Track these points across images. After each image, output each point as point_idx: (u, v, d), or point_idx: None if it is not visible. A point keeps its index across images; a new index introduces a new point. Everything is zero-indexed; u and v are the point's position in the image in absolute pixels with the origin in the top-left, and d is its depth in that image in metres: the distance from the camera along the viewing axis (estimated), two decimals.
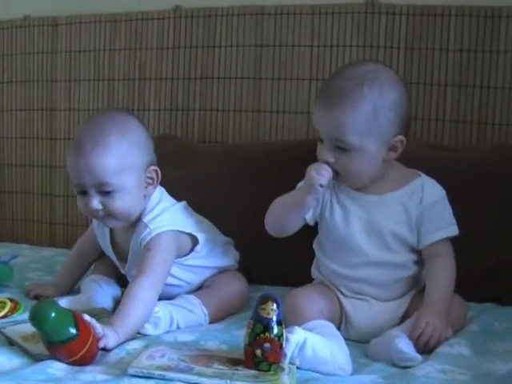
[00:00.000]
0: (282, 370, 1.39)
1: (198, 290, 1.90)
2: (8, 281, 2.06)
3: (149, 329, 1.65)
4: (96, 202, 1.76)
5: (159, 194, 1.88)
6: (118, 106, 2.70)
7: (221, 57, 2.56)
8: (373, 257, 1.72)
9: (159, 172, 1.85)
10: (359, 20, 2.39)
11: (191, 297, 1.81)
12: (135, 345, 1.55)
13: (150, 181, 1.84)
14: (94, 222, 1.96)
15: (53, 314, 1.40)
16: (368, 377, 1.42)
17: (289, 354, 1.43)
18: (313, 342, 1.46)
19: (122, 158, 1.75)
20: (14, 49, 2.90)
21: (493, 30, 2.27)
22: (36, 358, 1.46)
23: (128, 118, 1.85)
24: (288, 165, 2.21)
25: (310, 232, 1.85)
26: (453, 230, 1.75)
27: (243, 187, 2.21)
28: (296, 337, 1.44)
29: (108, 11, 2.73)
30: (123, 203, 1.77)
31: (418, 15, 2.33)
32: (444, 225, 1.74)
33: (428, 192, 1.75)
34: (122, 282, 1.96)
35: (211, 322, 1.80)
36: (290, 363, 1.43)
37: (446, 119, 2.32)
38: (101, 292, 1.89)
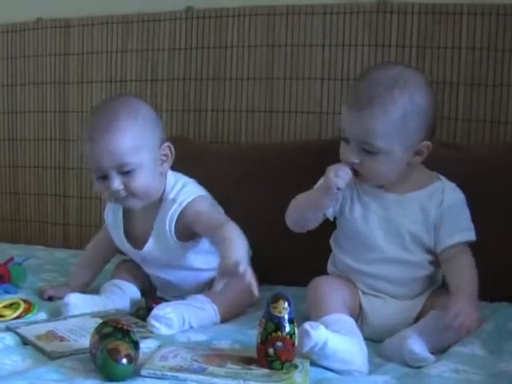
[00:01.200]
0: (295, 368, 1.39)
1: (205, 289, 1.92)
2: (22, 282, 2.06)
3: (162, 329, 1.65)
4: (117, 183, 1.82)
5: (173, 174, 1.95)
6: None
7: (233, 57, 2.57)
8: (389, 254, 1.73)
9: (172, 148, 1.92)
10: (371, 19, 2.39)
11: (200, 296, 1.82)
12: (149, 344, 1.55)
13: (164, 158, 1.91)
14: (107, 212, 2.01)
15: None
16: (381, 377, 1.42)
17: (306, 349, 1.43)
18: (334, 342, 1.45)
19: (137, 138, 1.83)
20: (27, 51, 2.91)
21: (505, 28, 2.26)
22: (51, 356, 1.47)
23: (135, 99, 1.96)
24: (300, 165, 2.21)
25: (324, 232, 1.85)
26: (470, 235, 1.75)
27: (256, 187, 2.21)
28: (318, 335, 1.44)
29: (120, 12, 2.74)
30: (143, 181, 1.84)
31: (429, 14, 2.32)
32: (462, 229, 1.74)
33: (448, 195, 1.75)
34: (144, 286, 2.01)
35: (222, 319, 1.81)
36: (305, 358, 1.43)
37: (458, 118, 2.31)
38: (120, 294, 1.91)
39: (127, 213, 1.97)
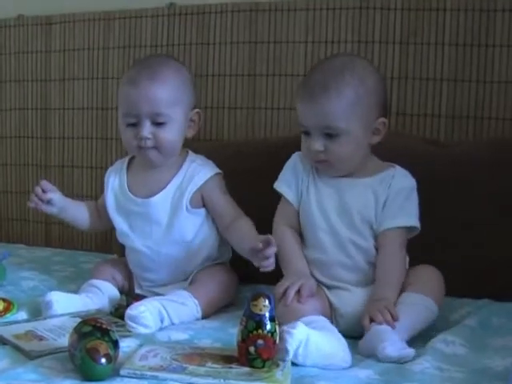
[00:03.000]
0: (276, 366, 1.38)
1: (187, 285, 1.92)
2: (1, 280, 2.05)
3: (139, 329, 1.64)
4: (147, 131, 1.87)
5: None
6: (112, 104, 2.69)
7: (215, 54, 2.55)
8: (342, 236, 1.76)
9: (201, 116, 2.01)
10: (354, 15, 2.38)
11: (180, 291, 1.82)
12: (129, 343, 1.54)
13: (191, 123, 1.97)
14: (109, 174, 2.06)
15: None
16: (363, 372, 1.41)
17: (292, 350, 1.42)
18: (316, 337, 1.45)
19: (177, 92, 1.90)
20: (8, 48, 2.89)
21: (488, 24, 2.25)
22: (29, 355, 1.45)
23: (177, 61, 2.06)
24: (283, 161, 2.19)
25: None
26: (412, 221, 1.77)
27: (238, 184, 2.19)
28: (299, 333, 1.43)
29: (101, 9, 2.72)
30: (171, 135, 1.90)
31: (412, 10, 2.31)
32: (405, 214, 1.77)
33: (397, 179, 1.79)
34: (124, 287, 2.01)
35: (204, 313, 1.81)
36: (292, 361, 1.42)
37: (441, 114, 2.30)
38: (99, 294, 1.89)
39: (131, 173, 2.01)
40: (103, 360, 1.32)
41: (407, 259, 1.79)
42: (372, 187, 1.78)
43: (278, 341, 1.40)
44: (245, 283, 2.01)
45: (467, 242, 1.95)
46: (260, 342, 1.37)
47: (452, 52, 2.29)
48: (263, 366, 1.37)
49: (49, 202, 1.96)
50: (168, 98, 1.88)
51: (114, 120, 2.69)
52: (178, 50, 2.59)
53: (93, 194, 2.71)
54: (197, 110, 1.98)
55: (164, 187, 1.94)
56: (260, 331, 1.37)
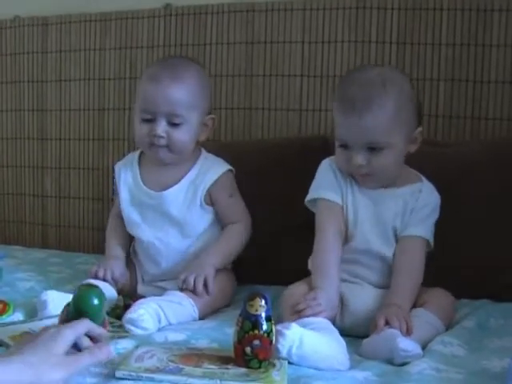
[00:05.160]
0: (273, 366, 1.38)
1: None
2: None
3: (137, 331, 1.63)
4: (162, 129, 1.90)
5: None
6: (108, 105, 2.69)
7: (212, 54, 2.55)
8: (372, 246, 1.77)
9: (215, 122, 2.03)
10: (350, 15, 2.38)
11: (177, 291, 1.82)
12: (125, 344, 1.53)
13: (205, 128, 1.99)
14: (119, 168, 2.06)
15: (96, 302, 1.39)
16: (361, 374, 1.40)
17: (284, 350, 1.42)
18: (310, 338, 1.45)
19: (195, 96, 1.93)
20: (4, 49, 2.88)
21: (485, 24, 2.25)
22: None
23: (198, 65, 2.06)
24: (280, 162, 2.20)
25: (303, 233, 1.84)
26: (428, 236, 1.80)
27: (236, 185, 2.19)
28: (292, 333, 1.43)
29: (98, 10, 2.72)
30: (184, 137, 1.92)
31: (409, 10, 2.31)
32: (424, 227, 1.80)
33: (425, 194, 1.82)
34: (124, 285, 1.99)
35: (201, 314, 1.80)
36: (283, 359, 1.42)
37: (438, 114, 2.31)
38: None
39: (144, 167, 2.03)
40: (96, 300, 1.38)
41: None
42: (403, 197, 1.80)
43: (274, 341, 1.39)
44: (241, 283, 2.01)
45: (464, 243, 1.95)
46: (256, 342, 1.36)
47: (449, 52, 2.29)
48: (260, 367, 1.36)
49: None
50: (187, 100, 1.90)
51: (111, 121, 2.69)
52: (174, 50, 2.59)
53: (89, 195, 2.71)
54: (211, 115, 2.01)
55: (178, 181, 1.97)
56: (256, 331, 1.36)
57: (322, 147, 2.25)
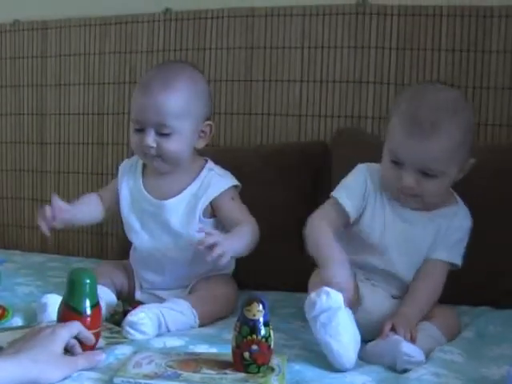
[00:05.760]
0: (272, 371, 1.37)
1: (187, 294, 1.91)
2: None
3: (137, 336, 1.63)
4: (151, 140, 1.86)
5: None
6: (108, 110, 2.69)
7: (211, 59, 2.55)
8: (397, 269, 1.73)
9: (213, 128, 1.97)
10: (350, 21, 2.38)
11: (180, 300, 1.80)
12: (124, 350, 1.52)
13: (202, 134, 1.95)
14: (124, 167, 2.03)
15: (87, 281, 1.50)
16: (360, 378, 1.40)
17: (317, 307, 1.43)
18: (346, 317, 1.46)
19: (187, 104, 1.87)
20: (4, 53, 2.89)
21: (484, 30, 2.26)
22: None
23: (194, 70, 1.99)
24: (279, 167, 2.20)
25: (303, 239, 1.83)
26: (457, 259, 1.77)
27: None
28: (335, 299, 1.44)
29: (97, 14, 2.72)
30: (175, 146, 1.88)
31: (409, 15, 2.32)
32: (455, 252, 1.76)
33: (460, 218, 1.79)
34: (123, 290, 2.00)
35: (201, 324, 1.79)
36: (282, 360, 1.42)
37: None
38: None
39: (147, 173, 2.00)
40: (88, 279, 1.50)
41: None
42: (435, 221, 1.75)
43: (272, 345, 1.39)
44: (240, 290, 2.00)
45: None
46: (254, 347, 1.36)
47: (448, 58, 2.30)
48: (258, 371, 1.36)
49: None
50: (176, 109, 1.86)
51: (110, 125, 2.69)
52: (174, 55, 2.59)
53: None
54: (209, 122, 1.96)
55: (180, 192, 1.94)
56: (254, 336, 1.36)
57: (322, 153, 2.25)
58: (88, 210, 2.04)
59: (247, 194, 2.08)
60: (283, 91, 2.47)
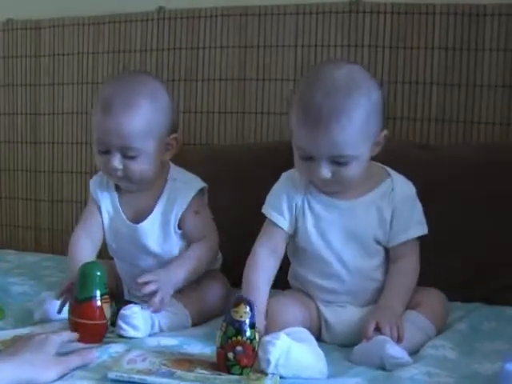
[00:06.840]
0: (266, 375, 1.37)
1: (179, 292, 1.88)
2: None
3: (129, 331, 1.63)
4: (117, 162, 1.80)
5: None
6: None
7: (205, 58, 2.55)
8: (352, 264, 1.70)
9: (179, 140, 1.91)
10: (343, 19, 2.38)
11: (172, 300, 1.79)
12: (117, 348, 1.53)
13: (169, 147, 1.89)
14: (95, 184, 1.96)
15: (98, 273, 1.60)
16: (352, 380, 1.40)
17: (273, 361, 1.38)
18: (296, 349, 1.42)
19: (150, 123, 1.80)
20: None
21: (478, 28, 2.26)
22: None
23: (156, 82, 1.90)
24: (273, 166, 2.19)
25: None
26: (423, 229, 1.73)
27: (228, 189, 2.19)
28: (282, 343, 1.39)
29: (91, 14, 2.72)
30: (142, 167, 1.83)
31: (402, 14, 2.32)
32: (413, 224, 1.71)
33: (398, 190, 1.71)
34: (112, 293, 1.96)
35: (194, 323, 1.79)
36: (273, 373, 1.39)
37: (431, 118, 2.31)
38: None
39: (120, 191, 1.94)
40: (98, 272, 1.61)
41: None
42: (375, 203, 1.70)
43: (257, 348, 1.38)
44: (233, 287, 2.00)
45: (457, 246, 1.95)
46: (239, 348, 1.36)
47: (441, 56, 2.29)
48: (241, 373, 1.36)
49: None
50: (140, 130, 1.79)
51: None
52: (167, 54, 2.59)
53: (82, 199, 2.70)
54: (174, 135, 1.89)
55: (150, 212, 1.88)
56: (239, 338, 1.36)
57: None
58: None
59: (241, 192, 2.09)
60: (277, 90, 2.47)
